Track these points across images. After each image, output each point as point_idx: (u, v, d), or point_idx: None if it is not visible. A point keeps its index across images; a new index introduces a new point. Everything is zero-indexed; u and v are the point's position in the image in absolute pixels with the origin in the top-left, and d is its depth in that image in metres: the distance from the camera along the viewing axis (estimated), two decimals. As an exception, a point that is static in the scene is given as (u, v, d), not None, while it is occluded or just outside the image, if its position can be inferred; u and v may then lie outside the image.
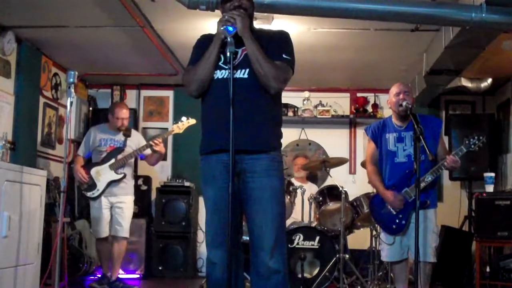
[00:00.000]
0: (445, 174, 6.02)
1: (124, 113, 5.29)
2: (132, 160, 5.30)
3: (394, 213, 3.86)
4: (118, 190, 5.21)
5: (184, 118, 5.15)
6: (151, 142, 5.12)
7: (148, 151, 5.22)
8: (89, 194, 5.17)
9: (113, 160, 5.18)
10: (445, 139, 6.17)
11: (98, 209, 5.17)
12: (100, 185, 5.15)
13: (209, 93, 2.73)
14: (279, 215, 2.69)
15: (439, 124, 4.00)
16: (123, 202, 5.23)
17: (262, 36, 2.74)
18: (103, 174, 5.17)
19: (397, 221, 3.84)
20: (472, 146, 3.78)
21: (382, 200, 3.95)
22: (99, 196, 5.16)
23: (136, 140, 5.34)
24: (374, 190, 5.16)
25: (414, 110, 3.77)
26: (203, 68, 2.68)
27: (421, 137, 3.47)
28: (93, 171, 5.17)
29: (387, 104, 4.22)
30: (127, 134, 5.31)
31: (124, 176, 5.22)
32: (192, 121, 5.12)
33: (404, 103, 3.77)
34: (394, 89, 3.95)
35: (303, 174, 6.15)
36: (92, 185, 5.15)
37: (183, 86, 2.83)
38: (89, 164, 5.28)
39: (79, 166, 5.22)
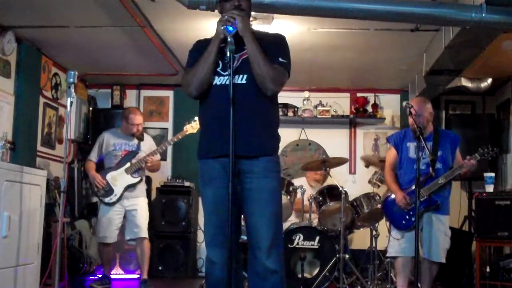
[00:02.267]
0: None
1: (138, 119, 5.30)
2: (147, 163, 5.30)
3: (406, 211, 4.16)
4: (131, 193, 5.21)
5: (196, 118, 5.12)
6: (160, 147, 5.17)
7: (157, 157, 5.24)
8: (106, 200, 5.15)
9: (128, 164, 5.19)
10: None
11: (110, 215, 5.16)
12: (118, 190, 5.15)
13: (207, 99, 2.74)
14: (276, 215, 2.71)
15: (457, 139, 4.29)
16: (137, 204, 5.24)
17: (259, 39, 2.73)
18: (119, 179, 5.17)
19: (407, 217, 4.15)
20: (485, 155, 4.14)
21: (394, 200, 4.26)
22: (116, 202, 5.15)
23: (149, 144, 5.38)
24: (375, 190, 5.28)
25: (423, 125, 4.04)
26: (202, 67, 2.69)
27: (421, 137, 3.76)
28: (108, 176, 5.17)
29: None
30: (140, 138, 5.34)
31: (141, 180, 5.24)
32: None
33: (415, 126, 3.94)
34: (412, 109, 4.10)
35: (316, 185, 6.05)
36: (109, 191, 5.15)
37: (182, 86, 2.83)
38: (103, 169, 5.27)
39: (94, 172, 5.21)
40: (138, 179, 5.22)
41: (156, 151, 5.22)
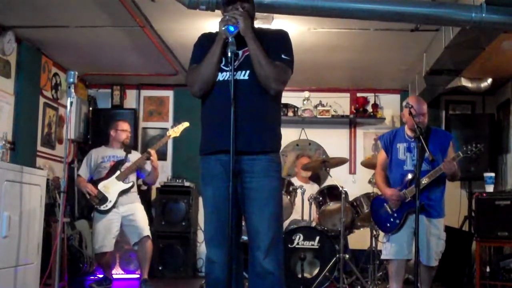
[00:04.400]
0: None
1: (117, 131, 5.39)
2: (135, 172, 5.35)
3: (390, 212, 4.06)
4: (126, 200, 5.24)
5: (177, 123, 5.36)
6: (147, 153, 5.23)
7: (148, 168, 5.31)
8: (102, 207, 5.16)
9: (118, 172, 5.24)
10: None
11: (106, 223, 5.16)
12: (112, 197, 5.17)
13: (210, 95, 2.74)
14: (276, 215, 2.71)
15: (448, 138, 4.15)
16: (133, 209, 5.27)
17: (262, 36, 2.73)
18: (111, 186, 5.21)
19: (392, 220, 4.06)
20: (469, 153, 3.94)
21: (382, 201, 4.17)
22: (111, 208, 5.17)
23: (135, 157, 5.42)
24: (375, 190, 5.27)
25: (423, 125, 3.93)
26: (205, 68, 2.69)
27: (421, 137, 3.65)
28: (100, 185, 5.20)
29: (401, 116, 4.30)
30: (128, 151, 5.42)
31: (133, 185, 5.27)
32: (186, 124, 5.33)
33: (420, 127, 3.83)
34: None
35: (306, 174, 6.11)
36: (103, 199, 5.17)
37: (186, 86, 2.84)
38: (94, 181, 5.30)
39: (84, 182, 5.25)
40: (130, 184, 5.26)
41: (144, 157, 5.28)
